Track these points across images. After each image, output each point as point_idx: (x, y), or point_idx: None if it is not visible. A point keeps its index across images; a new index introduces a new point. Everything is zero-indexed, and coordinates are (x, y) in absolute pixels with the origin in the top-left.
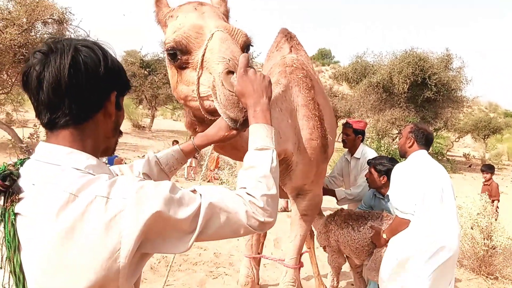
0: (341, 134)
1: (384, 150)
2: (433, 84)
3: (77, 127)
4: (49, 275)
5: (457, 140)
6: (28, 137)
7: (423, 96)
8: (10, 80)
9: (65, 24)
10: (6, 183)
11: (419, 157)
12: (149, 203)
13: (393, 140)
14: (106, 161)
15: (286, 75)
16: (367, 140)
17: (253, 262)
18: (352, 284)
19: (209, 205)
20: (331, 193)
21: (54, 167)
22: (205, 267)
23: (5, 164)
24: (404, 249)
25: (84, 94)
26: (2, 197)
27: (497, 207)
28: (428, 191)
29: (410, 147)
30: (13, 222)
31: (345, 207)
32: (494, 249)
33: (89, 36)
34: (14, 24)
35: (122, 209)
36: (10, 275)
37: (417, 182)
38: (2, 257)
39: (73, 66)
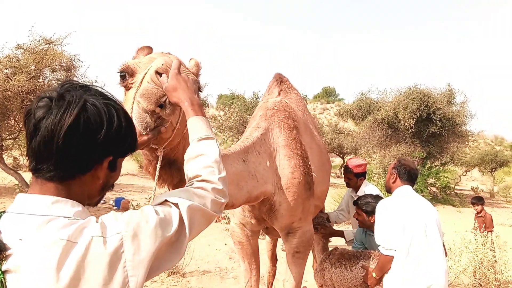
0: (344, 177)
1: None
2: (437, 119)
3: (62, 183)
4: None
5: (464, 174)
6: None
7: (429, 131)
8: (17, 125)
9: (73, 71)
10: None
11: (402, 193)
12: (146, 235)
13: None
14: (114, 204)
15: (267, 118)
16: (375, 175)
17: None
18: None
19: (187, 210)
20: (340, 233)
21: (40, 218)
22: None
23: None
24: None
25: (74, 155)
26: None
27: (492, 240)
28: (410, 226)
29: (393, 182)
30: (2, 281)
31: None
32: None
33: (97, 86)
34: (23, 71)
35: (120, 243)
36: None
37: (398, 217)
38: None
39: (72, 127)
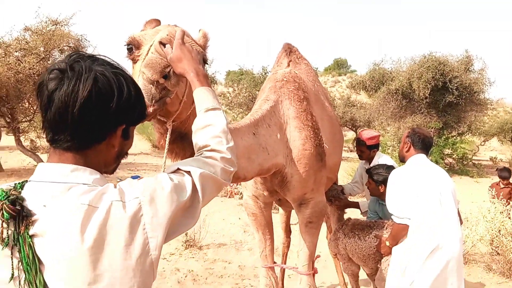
0: (356, 150)
1: None
2: (454, 88)
3: (78, 152)
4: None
5: (482, 144)
6: None
7: (445, 101)
8: (32, 108)
9: (81, 51)
10: (17, 207)
11: (416, 161)
12: (163, 200)
13: None
14: None
15: (276, 90)
16: (389, 148)
17: (270, 271)
18: None
19: (199, 178)
20: (355, 205)
21: (61, 185)
22: (231, 280)
23: (4, 189)
24: (404, 257)
25: (89, 126)
26: (13, 223)
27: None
28: (424, 194)
29: (407, 151)
30: (31, 244)
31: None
32: None
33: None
34: (32, 53)
35: (139, 207)
36: None
37: (412, 186)
38: (20, 281)
39: (85, 98)
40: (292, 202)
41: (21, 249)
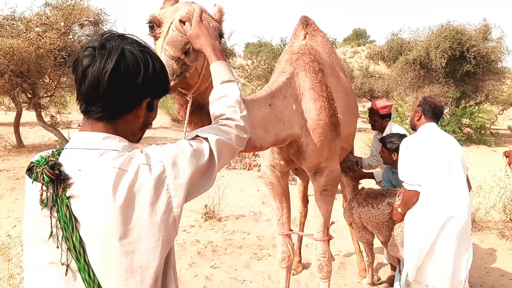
0: (369, 119)
1: None
2: (472, 57)
3: (109, 122)
4: (114, 244)
5: (501, 113)
6: None
7: (462, 70)
8: (53, 83)
9: (100, 25)
10: (56, 171)
11: (427, 130)
12: (185, 166)
13: None
14: None
15: (292, 62)
16: (407, 118)
17: (287, 239)
18: None
19: (215, 144)
20: (370, 175)
21: (94, 152)
22: (249, 250)
23: (43, 156)
24: (415, 223)
25: (118, 98)
26: (52, 186)
27: None
28: (434, 161)
29: (418, 120)
30: (68, 205)
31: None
32: None
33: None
34: (53, 28)
35: (163, 170)
36: (68, 252)
37: (423, 153)
38: (58, 238)
39: (114, 72)
40: (308, 171)
41: (59, 209)
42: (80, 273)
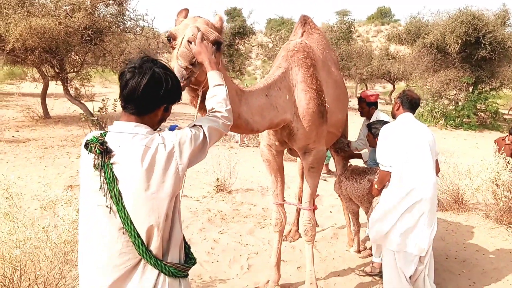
0: (358, 107)
1: (438, 111)
2: (487, 43)
3: (139, 116)
4: (141, 194)
5: None
6: (98, 111)
7: (478, 56)
8: (79, 59)
9: (124, 5)
10: (104, 147)
11: (403, 119)
12: (186, 145)
13: (451, 101)
14: (169, 129)
15: (287, 59)
16: (422, 102)
17: (280, 208)
18: None
19: (207, 130)
20: (358, 155)
21: (129, 134)
22: (254, 219)
23: (95, 136)
24: (387, 197)
25: (146, 103)
26: (101, 156)
27: None
28: (405, 146)
29: (397, 110)
30: (111, 168)
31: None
32: None
33: (147, 19)
34: (81, 9)
35: (173, 147)
36: (111, 199)
37: (396, 139)
38: (104, 189)
39: (146, 85)
40: (298, 151)
41: (105, 171)
42: (118, 212)
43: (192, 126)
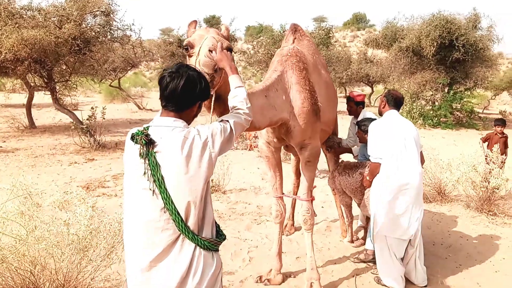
0: (347, 106)
1: (416, 111)
2: (460, 45)
3: (177, 113)
4: (181, 177)
5: (493, 98)
6: (87, 119)
7: (452, 58)
8: (68, 69)
9: (111, 15)
10: (148, 138)
11: (389, 116)
12: (217, 136)
13: (428, 102)
14: None
15: (282, 63)
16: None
17: (279, 200)
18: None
19: (233, 124)
20: (349, 151)
21: (168, 128)
22: (250, 216)
23: (140, 130)
24: (378, 187)
25: (185, 101)
26: (146, 146)
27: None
28: (392, 140)
29: (383, 108)
30: (155, 156)
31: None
32: (494, 190)
33: (134, 29)
34: (70, 20)
35: (206, 137)
36: (154, 183)
37: (384, 134)
38: (148, 174)
39: (184, 86)
40: (295, 146)
41: (149, 159)
42: (161, 194)
43: (220, 121)
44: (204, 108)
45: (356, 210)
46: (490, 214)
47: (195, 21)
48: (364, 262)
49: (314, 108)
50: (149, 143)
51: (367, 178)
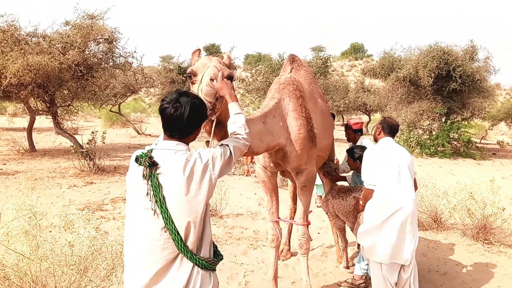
0: (345, 133)
1: (414, 141)
2: (457, 76)
3: (180, 138)
4: (182, 197)
5: (491, 128)
6: (87, 143)
7: (449, 88)
8: (71, 94)
9: (114, 43)
10: (152, 160)
11: (384, 143)
12: (218, 159)
13: (425, 131)
14: None
15: (280, 91)
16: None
17: (276, 225)
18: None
19: (232, 148)
20: (344, 178)
21: (172, 151)
22: (247, 241)
23: (143, 152)
24: (371, 213)
25: (188, 129)
26: (149, 168)
27: None
28: (387, 166)
29: (378, 135)
30: (157, 178)
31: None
32: (489, 218)
33: (136, 56)
34: (74, 47)
35: (207, 160)
36: (156, 203)
37: (379, 160)
38: (150, 195)
39: (189, 116)
40: (291, 171)
41: (152, 180)
42: (162, 214)
43: (220, 145)
44: (203, 131)
45: (352, 236)
46: (485, 243)
47: (199, 50)
48: (352, 286)
49: (310, 134)
50: (153, 165)
51: (361, 202)
